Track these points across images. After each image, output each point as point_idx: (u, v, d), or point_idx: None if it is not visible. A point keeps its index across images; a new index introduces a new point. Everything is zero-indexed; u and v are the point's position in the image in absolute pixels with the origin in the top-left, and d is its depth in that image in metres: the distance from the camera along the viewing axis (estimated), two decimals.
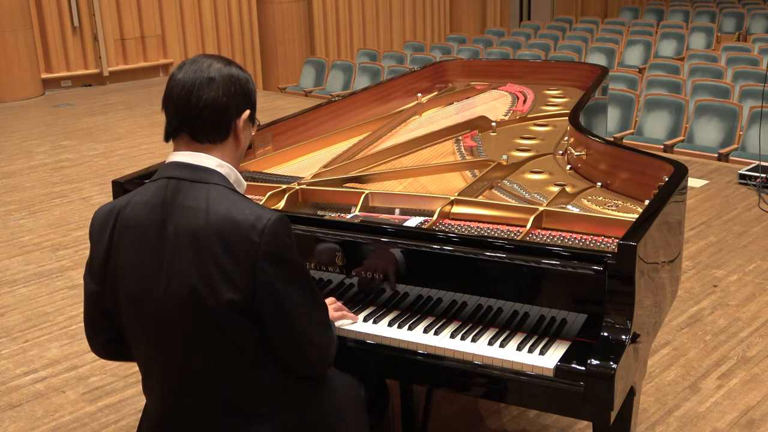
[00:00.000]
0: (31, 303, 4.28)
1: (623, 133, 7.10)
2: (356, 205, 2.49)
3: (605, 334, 1.94)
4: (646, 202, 2.36)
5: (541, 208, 2.35)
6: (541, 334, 2.07)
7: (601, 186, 2.70)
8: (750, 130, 6.49)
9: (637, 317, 1.96)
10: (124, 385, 3.46)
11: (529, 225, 2.28)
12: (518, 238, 2.20)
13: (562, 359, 1.96)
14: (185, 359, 1.79)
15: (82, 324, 4.12)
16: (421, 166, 2.91)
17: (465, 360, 2.03)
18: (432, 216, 2.38)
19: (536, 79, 4.30)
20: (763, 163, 5.86)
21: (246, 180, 2.08)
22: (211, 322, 1.74)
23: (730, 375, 3.42)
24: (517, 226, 2.33)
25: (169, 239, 1.74)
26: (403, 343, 2.10)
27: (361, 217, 2.43)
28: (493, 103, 3.90)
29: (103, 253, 1.82)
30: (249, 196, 1.90)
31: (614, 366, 1.86)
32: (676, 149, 6.69)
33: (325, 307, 1.89)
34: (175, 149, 1.83)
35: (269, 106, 8.91)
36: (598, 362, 1.88)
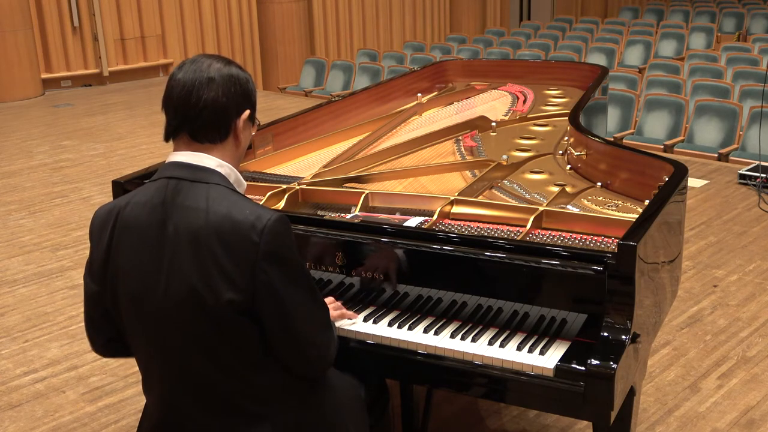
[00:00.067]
0: (31, 303, 4.28)
1: (623, 133, 7.10)
2: (356, 205, 2.49)
3: (605, 334, 1.94)
4: (646, 202, 2.36)
5: (541, 208, 2.35)
6: (541, 334, 2.07)
7: (601, 186, 2.70)
8: (750, 130, 6.49)
9: (637, 317, 1.96)
10: (124, 385, 3.46)
11: (529, 225, 2.28)
12: (518, 238, 2.20)
13: (562, 359, 1.96)
14: (185, 359, 1.79)
15: (82, 324, 4.12)
16: (421, 166, 2.91)
17: (465, 360, 2.03)
18: (432, 216, 2.38)
19: (536, 79, 4.30)
20: (763, 163, 5.86)
21: (246, 180, 2.08)
22: (211, 322, 1.74)
23: (730, 375, 3.42)
24: (517, 226, 2.33)
25: (169, 239, 1.74)
26: (403, 343, 2.10)
27: (361, 217, 2.43)
28: (493, 103, 3.90)
29: (103, 253, 1.82)
30: (249, 196, 1.90)
31: (614, 366, 1.86)
32: (676, 149, 6.69)
33: (325, 308, 1.89)
34: (175, 149, 1.83)
35: (269, 106, 8.91)
36: (598, 362, 1.88)
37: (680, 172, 2.44)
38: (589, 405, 1.89)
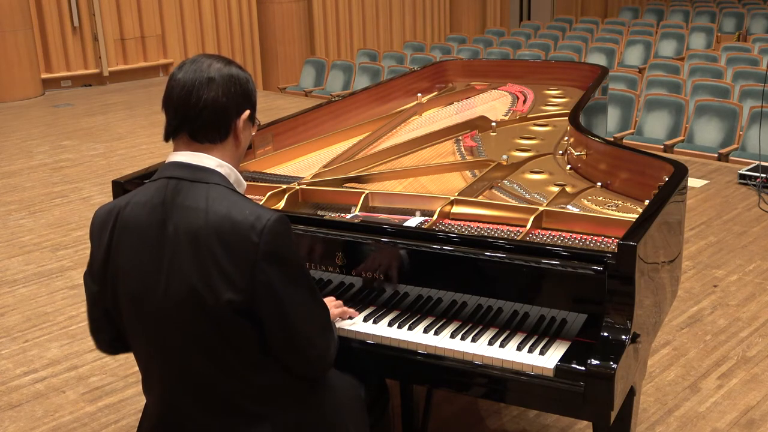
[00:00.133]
0: (31, 303, 4.28)
1: (623, 133, 7.10)
2: (356, 205, 2.49)
3: (605, 334, 1.94)
4: (646, 202, 2.36)
5: (541, 208, 2.34)
6: (541, 334, 2.07)
7: (601, 186, 2.70)
8: (750, 130, 6.49)
9: (637, 317, 1.96)
10: (124, 385, 3.46)
11: (529, 225, 2.28)
12: (518, 238, 2.20)
13: (562, 359, 1.96)
14: (185, 359, 1.79)
15: (82, 324, 4.13)
16: (421, 166, 2.91)
17: (465, 360, 2.03)
18: (432, 216, 2.38)
19: (536, 79, 4.30)
20: (763, 163, 5.86)
21: (246, 180, 2.09)
22: (211, 322, 1.73)
23: (730, 375, 3.42)
24: (517, 226, 2.33)
25: (169, 239, 1.74)
26: (403, 343, 2.10)
27: (361, 217, 2.43)
28: (493, 103, 3.90)
29: (103, 253, 1.82)
30: (249, 196, 1.90)
31: (614, 366, 1.86)
32: (676, 149, 6.69)
33: (325, 308, 1.88)
34: (175, 149, 1.83)
35: (269, 106, 8.91)
36: (598, 362, 1.88)
37: (680, 172, 2.44)
38: (589, 405, 1.89)
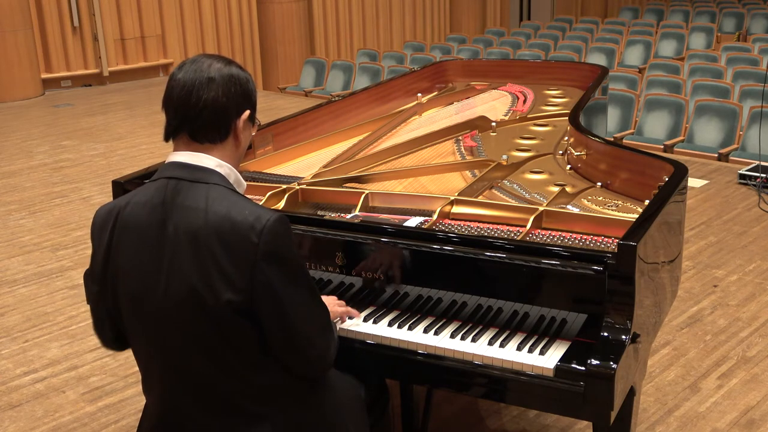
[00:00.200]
0: (31, 303, 4.28)
1: (623, 133, 7.10)
2: (356, 205, 2.49)
3: (605, 334, 1.94)
4: (646, 202, 2.36)
5: (541, 208, 2.34)
6: (541, 334, 2.07)
7: (601, 186, 2.70)
8: (750, 130, 6.49)
9: (637, 317, 1.96)
10: (124, 385, 3.46)
11: (529, 225, 2.28)
12: (518, 238, 2.20)
13: (562, 359, 1.96)
14: (185, 359, 1.79)
15: (82, 324, 4.13)
16: (421, 166, 2.91)
17: (465, 360, 2.03)
18: (432, 216, 2.38)
19: (536, 79, 4.30)
20: (763, 163, 5.86)
21: (246, 180, 2.09)
22: (211, 322, 1.74)
23: (730, 375, 3.42)
24: (517, 226, 2.33)
25: (169, 239, 1.74)
26: (403, 343, 2.10)
27: (361, 217, 2.43)
28: (493, 103, 3.90)
29: (103, 253, 1.82)
30: (249, 196, 1.90)
31: (614, 366, 1.86)
32: (676, 149, 6.69)
33: (325, 308, 1.88)
34: (175, 149, 1.83)
35: (269, 106, 8.91)
36: (598, 362, 1.87)
37: (680, 172, 2.44)
38: (589, 405, 1.89)
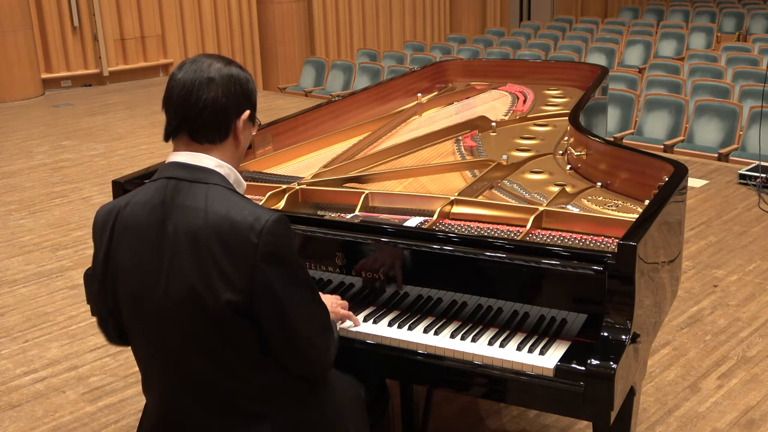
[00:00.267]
0: (31, 303, 4.28)
1: (623, 133, 7.10)
2: (356, 205, 2.49)
3: (605, 334, 1.94)
4: (646, 202, 2.36)
5: (541, 208, 2.34)
6: (541, 334, 2.07)
7: (601, 186, 2.70)
8: (750, 130, 6.49)
9: (637, 317, 1.96)
10: (124, 385, 3.46)
11: (529, 225, 2.28)
12: (518, 238, 2.20)
13: (562, 359, 1.96)
14: (185, 359, 1.79)
15: (82, 324, 4.13)
16: (421, 166, 2.91)
17: (465, 360, 2.03)
18: (432, 216, 2.38)
19: (536, 79, 4.30)
20: (763, 163, 5.86)
21: (246, 180, 2.08)
22: (210, 322, 1.74)
23: (730, 375, 3.42)
24: (517, 226, 2.33)
25: (169, 239, 1.74)
26: (403, 343, 2.10)
27: (361, 217, 2.43)
28: (493, 103, 3.90)
29: (104, 253, 1.82)
30: (249, 196, 1.90)
31: (614, 366, 1.86)
32: (676, 149, 6.69)
33: (325, 309, 1.88)
34: (175, 149, 1.83)
35: (269, 106, 8.91)
36: (598, 362, 1.87)
37: (680, 172, 2.44)
38: (589, 405, 1.89)
